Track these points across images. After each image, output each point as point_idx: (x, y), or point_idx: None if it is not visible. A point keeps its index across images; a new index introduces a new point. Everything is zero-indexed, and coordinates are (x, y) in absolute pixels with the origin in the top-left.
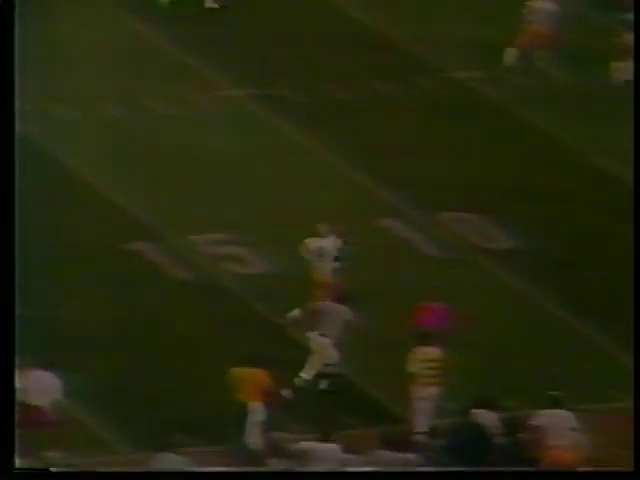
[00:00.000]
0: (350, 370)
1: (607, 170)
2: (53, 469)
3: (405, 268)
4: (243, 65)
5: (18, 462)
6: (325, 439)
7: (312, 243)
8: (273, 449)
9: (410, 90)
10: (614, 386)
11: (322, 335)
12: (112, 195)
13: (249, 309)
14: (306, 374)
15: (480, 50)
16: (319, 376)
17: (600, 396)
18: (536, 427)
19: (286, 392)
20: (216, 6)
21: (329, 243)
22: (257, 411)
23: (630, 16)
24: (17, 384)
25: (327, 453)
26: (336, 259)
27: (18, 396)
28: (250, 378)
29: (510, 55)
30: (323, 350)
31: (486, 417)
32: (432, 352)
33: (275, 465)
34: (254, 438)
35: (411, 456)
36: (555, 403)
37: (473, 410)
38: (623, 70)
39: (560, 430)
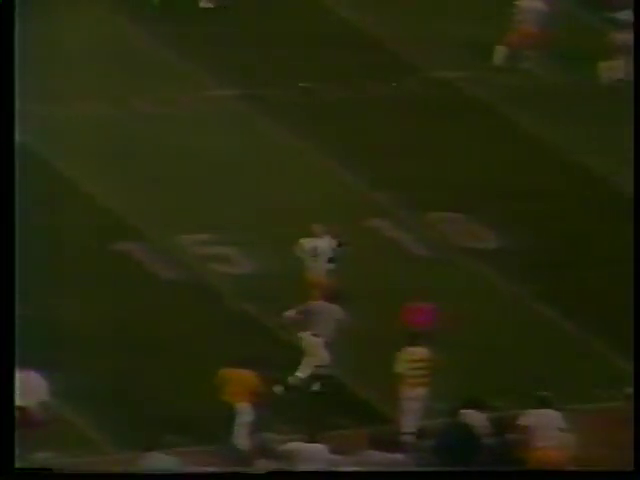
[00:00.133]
0: (338, 370)
1: (595, 170)
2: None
3: (393, 268)
4: (231, 65)
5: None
6: (313, 440)
7: (307, 243)
8: (261, 450)
9: (399, 90)
10: (601, 386)
11: (314, 335)
12: (100, 195)
13: (237, 309)
14: (302, 373)
15: (468, 50)
16: (311, 378)
17: (588, 396)
18: (524, 427)
19: (278, 389)
20: (211, 5)
21: (324, 243)
22: (245, 412)
23: (620, 15)
24: None
25: (315, 454)
26: (330, 260)
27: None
28: (238, 379)
29: (499, 54)
30: (315, 350)
31: (474, 417)
32: (420, 352)
33: (263, 466)
34: (242, 439)
35: (399, 456)
36: (543, 403)
37: (461, 410)
38: (612, 69)
39: (548, 430)
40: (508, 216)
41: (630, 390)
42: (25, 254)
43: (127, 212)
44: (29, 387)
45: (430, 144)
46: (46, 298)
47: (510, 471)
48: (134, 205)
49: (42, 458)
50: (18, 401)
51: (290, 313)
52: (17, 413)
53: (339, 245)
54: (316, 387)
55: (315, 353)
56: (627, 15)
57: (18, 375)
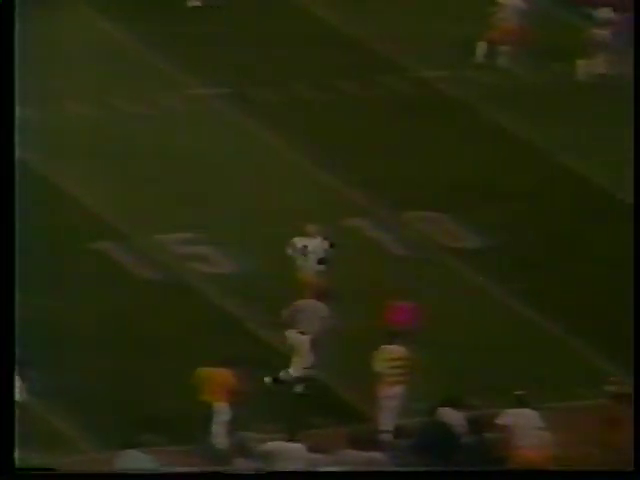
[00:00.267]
0: (318, 369)
1: (576, 169)
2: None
3: (373, 267)
4: (212, 65)
5: None
6: (292, 439)
7: (298, 242)
8: (239, 449)
9: (377, 90)
10: (582, 385)
11: (301, 333)
12: (79, 194)
13: (216, 309)
14: (294, 370)
15: (449, 49)
16: (296, 379)
17: (568, 395)
18: (502, 426)
19: (268, 380)
20: (199, 4)
21: (314, 243)
22: (223, 411)
23: (598, 13)
24: None
25: (293, 453)
26: (321, 261)
27: None
28: (216, 378)
29: (482, 50)
30: (302, 347)
31: (452, 416)
32: (398, 351)
33: (241, 465)
34: (220, 438)
35: (377, 455)
36: (521, 402)
37: (439, 409)
38: (590, 66)
39: (526, 429)
40: (488, 215)
41: (611, 388)
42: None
43: (107, 211)
44: None
45: (411, 143)
46: (26, 297)
47: (510, 471)
48: (114, 204)
49: (18, 457)
50: None
51: (285, 311)
52: None
53: (331, 246)
54: (299, 389)
55: (302, 351)
56: (605, 13)
57: None
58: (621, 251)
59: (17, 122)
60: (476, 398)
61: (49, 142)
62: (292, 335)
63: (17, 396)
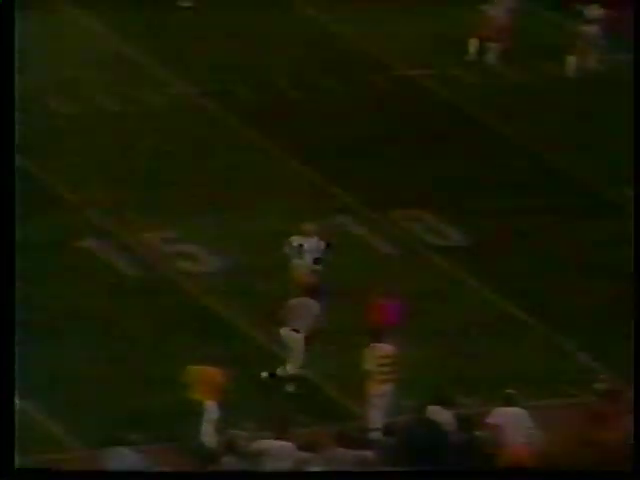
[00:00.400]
0: (306, 367)
1: (561, 166)
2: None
3: (358, 265)
4: (193, 62)
5: None
6: (281, 437)
7: (294, 241)
8: (228, 447)
9: (361, 88)
10: (570, 382)
11: (294, 330)
12: (64, 191)
13: (202, 307)
14: (290, 367)
15: (434, 47)
16: (287, 378)
17: (556, 392)
18: (492, 425)
19: (264, 374)
20: (189, 4)
21: (310, 243)
22: (212, 409)
23: (586, 10)
24: None
25: (282, 451)
26: (317, 260)
27: None
28: (205, 376)
29: (474, 47)
30: (296, 345)
31: (441, 414)
32: (386, 349)
33: (230, 463)
34: (209, 436)
35: (367, 453)
36: (510, 401)
37: (429, 407)
38: (580, 63)
39: (515, 428)
40: (474, 213)
41: (600, 386)
42: None
43: (92, 209)
44: None
45: (392, 141)
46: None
47: (509, 471)
48: (99, 202)
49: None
50: None
51: (281, 309)
52: None
53: (327, 246)
54: (290, 388)
55: (296, 348)
56: (595, 10)
57: None
58: (607, 248)
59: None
60: (465, 396)
61: (33, 140)
62: (286, 333)
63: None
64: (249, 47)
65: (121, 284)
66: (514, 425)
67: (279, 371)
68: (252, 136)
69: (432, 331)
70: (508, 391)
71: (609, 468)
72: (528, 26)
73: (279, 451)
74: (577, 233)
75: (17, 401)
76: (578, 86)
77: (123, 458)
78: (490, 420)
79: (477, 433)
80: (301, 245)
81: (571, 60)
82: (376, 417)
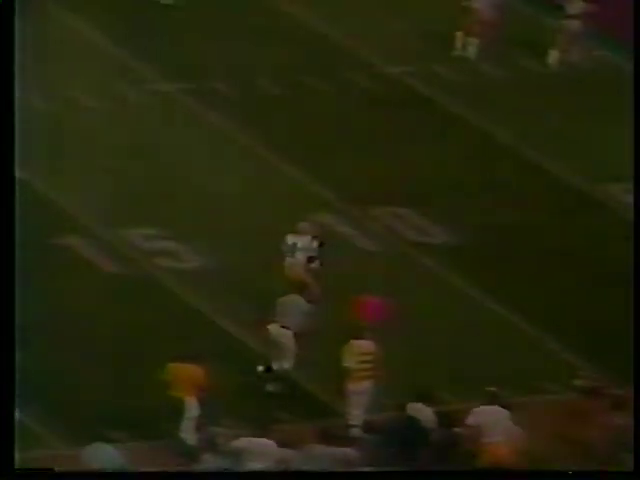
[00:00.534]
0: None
1: (544, 163)
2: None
3: (341, 262)
4: (175, 59)
5: None
6: (261, 434)
7: (289, 239)
8: (209, 444)
9: (343, 85)
10: (549, 379)
11: (284, 327)
12: (44, 189)
13: (183, 304)
14: (287, 364)
15: (414, 43)
16: (269, 377)
17: (537, 389)
18: (472, 427)
19: (260, 368)
20: (171, 2)
21: (303, 242)
22: (192, 406)
23: (569, 6)
24: None
25: (263, 448)
26: (310, 259)
27: None
28: (185, 373)
29: (460, 41)
30: (285, 341)
31: (422, 411)
32: (367, 346)
33: (210, 460)
34: (189, 433)
35: (347, 450)
36: (492, 399)
37: (409, 404)
38: (562, 57)
39: (496, 426)
40: (456, 211)
41: (580, 382)
42: None
43: (73, 206)
44: None
45: (378, 139)
46: None
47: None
48: (80, 199)
49: None
50: None
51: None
52: None
53: (320, 245)
54: (271, 388)
55: (285, 345)
56: (576, 4)
57: None
58: (590, 246)
59: None
60: (446, 393)
61: (16, 138)
62: (275, 329)
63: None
64: (231, 44)
65: (102, 281)
66: (494, 424)
67: (275, 366)
68: (234, 133)
69: (415, 328)
70: (490, 389)
71: (590, 465)
72: (511, 20)
73: (259, 448)
74: (560, 231)
75: None
76: (561, 81)
77: (105, 456)
78: (470, 421)
79: (457, 430)
80: (295, 244)
81: (554, 54)
82: (356, 414)
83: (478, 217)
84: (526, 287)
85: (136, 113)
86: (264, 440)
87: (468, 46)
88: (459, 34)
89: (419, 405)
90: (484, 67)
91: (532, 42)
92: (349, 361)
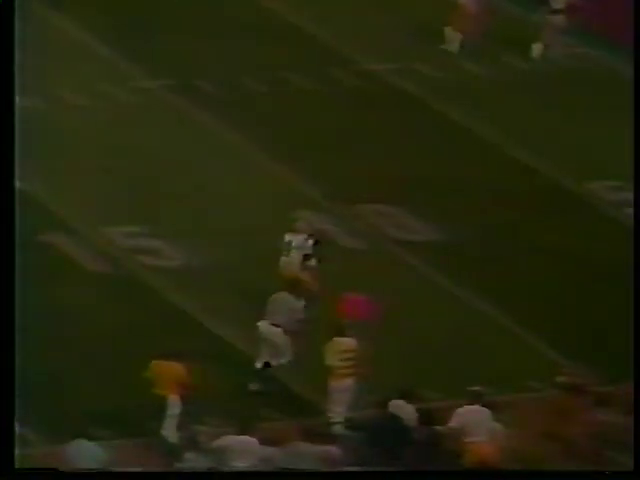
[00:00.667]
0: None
1: (527, 160)
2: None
3: (324, 260)
4: (163, 56)
5: None
6: (243, 432)
7: (286, 237)
8: (191, 442)
9: (327, 82)
10: (532, 377)
11: (274, 325)
12: (27, 186)
13: (166, 302)
14: (285, 359)
15: (398, 41)
16: (254, 376)
17: (518, 387)
18: (455, 428)
19: (259, 365)
20: None
21: (298, 240)
22: (175, 404)
23: (553, 2)
24: None
25: (245, 446)
26: (306, 257)
27: None
28: (168, 371)
29: (449, 36)
30: (275, 339)
31: (404, 409)
32: (349, 343)
33: (193, 459)
34: (171, 431)
35: (330, 448)
36: (475, 398)
37: (392, 402)
38: (545, 52)
39: (479, 427)
40: (438, 208)
41: (563, 379)
42: None
43: (56, 203)
44: None
45: (362, 137)
46: None
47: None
48: (62, 196)
49: None
50: None
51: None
52: None
53: (315, 243)
54: (254, 387)
55: (278, 342)
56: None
57: None
58: (574, 244)
59: None
60: (429, 391)
61: None
62: (265, 327)
63: None
64: (215, 41)
65: (85, 279)
66: (477, 424)
67: (274, 362)
68: (216, 130)
69: (399, 326)
70: (474, 388)
71: (574, 463)
72: (495, 15)
73: (242, 446)
74: (545, 229)
75: None
76: (545, 78)
77: (88, 453)
78: (453, 424)
79: (440, 428)
80: (290, 242)
81: (538, 48)
82: (338, 411)
83: (463, 215)
84: (510, 285)
85: (119, 111)
86: (247, 438)
87: (455, 42)
88: (447, 29)
89: (401, 402)
90: (468, 63)
91: (516, 37)
92: (331, 359)
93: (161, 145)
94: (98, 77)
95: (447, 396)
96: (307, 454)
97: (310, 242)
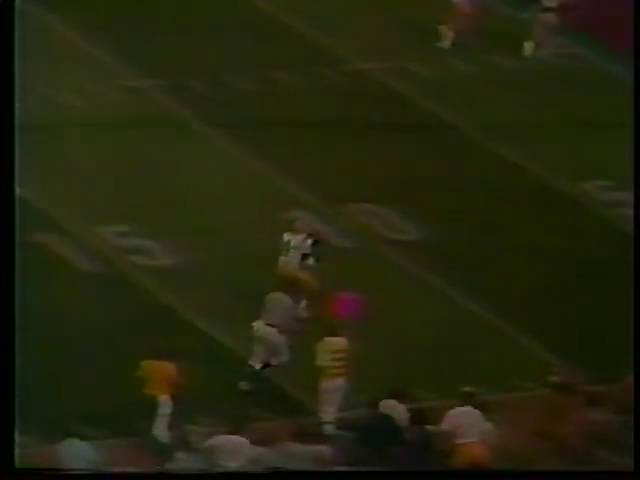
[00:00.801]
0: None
1: (516, 160)
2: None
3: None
4: (151, 56)
5: None
6: (235, 432)
7: (285, 237)
8: (182, 442)
9: (318, 81)
10: (523, 376)
11: (269, 325)
12: (17, 186)
13: (157, 301)
14: (283, 357)
15: (387, 40)
16: (243, 375)
17: (509, 387)
18: (447, 431)
19: (258, 365)
20: None
21: (297, 240)
22: (166, 404)
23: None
24: None
25: (236, 446)
26: (304, 256)
27: None
28: (159, 371)
29: (444, 34)
30: (270, 339)
31: (395, 408)
32: (339, 343)
33: (184, 458)
34: (162, 431)
35: (321, 448)
36: (466, 398)
37: (383, 401)
38: (535, 50)
39: (471, 428)
40: (430, 208)
41: (554, 379)
42: None
43: (45, 203)
44: None
45: (346, 135)
46: None
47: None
48: (52, 196)
49: None
50: None
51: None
52: None
53: (314, 243)
54: (245, 386)
55: (274, 341)
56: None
57: None
58: (564, 243)
59: None
60: (419, 391)
61: None
62: (259, 326)
63: None
64: (202, 40)
65: (76, 278)
66: (468, 426)
67: (273, 361)
68: (205, 129)
69: (389, 325)
70: (465, 389)
71: (566, 462)
72: (486, 14)
73: (233, 446)
74: (535, 228)
75: None
76: (537, 75)
77: (79, 453)
78: (444, 426)
79: (431, 428)
80: (289, 241)
81: (529, 46)
82: (329, 411)
83: (453, 214)
84: (501, 284)
85: (108, 111)
86: (238, 438)
87: (447, 40)
88: (443, 28)
89: (392, 402)
90: (460, 62)
91: (508, 35)
92: (322, 359)
93: (150, 145)
94: (86, 76)
95: (438, 396)
96: (298, 454)
97: (309, 242)
